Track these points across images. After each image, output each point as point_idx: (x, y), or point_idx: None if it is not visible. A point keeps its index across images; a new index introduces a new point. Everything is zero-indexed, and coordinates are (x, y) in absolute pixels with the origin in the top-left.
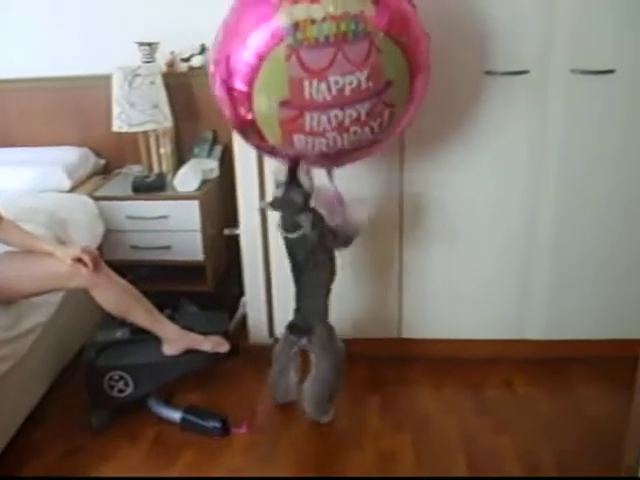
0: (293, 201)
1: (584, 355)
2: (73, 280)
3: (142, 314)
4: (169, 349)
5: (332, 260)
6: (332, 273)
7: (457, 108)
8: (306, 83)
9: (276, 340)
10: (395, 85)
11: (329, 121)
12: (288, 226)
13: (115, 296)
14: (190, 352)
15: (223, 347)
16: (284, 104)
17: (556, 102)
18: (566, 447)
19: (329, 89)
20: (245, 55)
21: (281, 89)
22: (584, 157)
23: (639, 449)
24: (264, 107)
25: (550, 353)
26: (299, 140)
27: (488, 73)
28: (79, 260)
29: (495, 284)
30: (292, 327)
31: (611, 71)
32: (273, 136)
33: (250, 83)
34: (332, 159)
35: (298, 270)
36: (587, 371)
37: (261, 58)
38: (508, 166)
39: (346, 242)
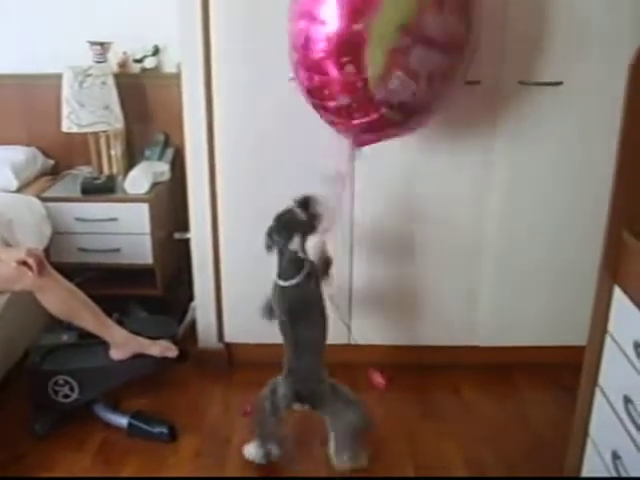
0: (297, 220)
1: (530, 361)
2: (18, 283)
3: (89, 318)
4: (117, 354)
5: (325, 315)
6: (326, 329)
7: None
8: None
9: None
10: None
11: (431, 60)
12: (284, 272)
13: (61, 299)
14: (138, 357)
15: (171, 352)
16: (403, 29)
17: (505, 112)
18: (511, 451)
19: (443, 26)
20: None
21: (406, 12)
22: (532, 165)
23: (580, 455)
24: (382, 27)
25: (497, 359)
26: (395, 80)
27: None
28: (24, 263)
29: (444, 291)
30: (297, 397)
31: (559, 83)
32: (375, 65)
33: None
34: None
35: (293, 323)
36: (532, 377)
37: None
38: (460, 171)
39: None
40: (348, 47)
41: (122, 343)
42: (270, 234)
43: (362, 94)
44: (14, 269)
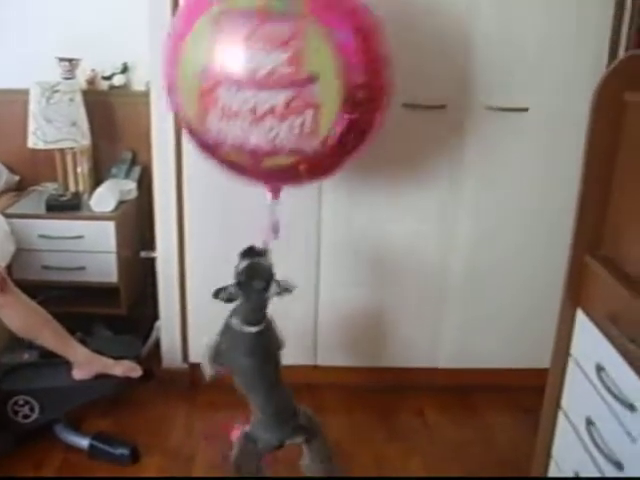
0: (264, 268)
1: (492, 383)
2: None
3: (51, 336)
4: (79, 373)
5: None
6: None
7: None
8: (224, 52)
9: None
10: (321, 83)
11: (244, 102)
12: (252, 318)
13: (22, 317)
14: (101, 377)
15: (135, 372)
16: (204, 71)
17: (472, 137)
18: (475, 472)
19: (246, 63)
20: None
21: (203, 55)
22: (498, 194)
23: (544, 473)
24: (188, 71)
25: (459, 381)
26: (213, 120)
27: (405, 106)
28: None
29: (408, 314)
30: (298, 430)
31: (525, 109)
32: (191, 107)
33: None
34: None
35: (262, 366)
36: (495, 399)
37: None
38: (426, 199)
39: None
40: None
41: (85, 362)
42: (246, 283)
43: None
44: None
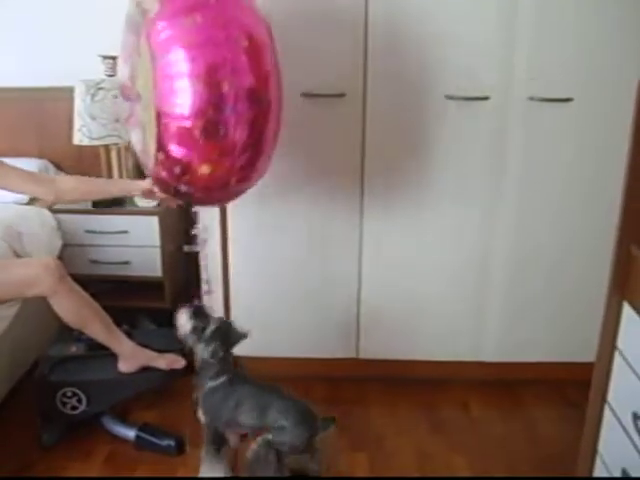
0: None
1: (538, 377)
2: (33, 288)
3: (100, 328)
4: (124, 366)
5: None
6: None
7: (417, 131)
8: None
9: None
10: (143, 102)
11: (120, 107)
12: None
13: (75, 306)
14: (146, 369)
15: (179, 364)
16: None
17: (515, 129)
18: (519, 468)
19: (121, 72)
20: None
21: None
22: (542, 183)
23: (589, 473)
24: None
25: (504, 375)
26: None
27: (448, 98)
28: (150, 192)
29: (452, 307)
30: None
31: (569, 99)
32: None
33: None
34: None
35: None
36: (540, 393)
37: None
38: (467, 191)
39: None
40: None
41: (130, 355)
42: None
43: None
44: (33, 273)
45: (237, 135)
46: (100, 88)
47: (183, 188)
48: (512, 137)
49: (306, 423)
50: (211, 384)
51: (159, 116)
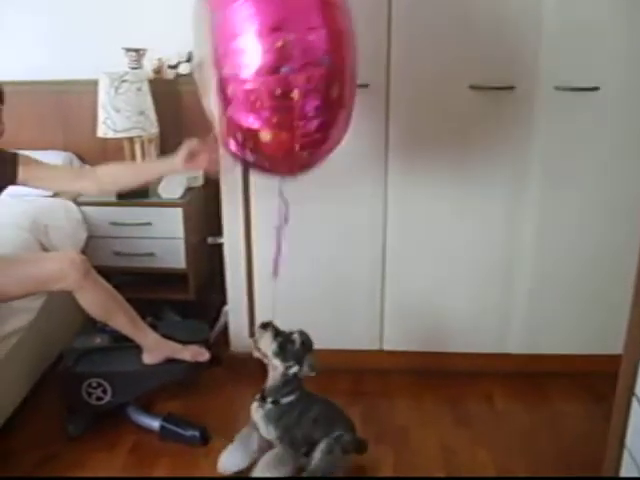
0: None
1: (563, 370)
2: (59, 282)
3: (124, 320)
4: (149, 358)
5: None
6: None
7: (441, 122)
8: None
9: None
10: (206, 66)
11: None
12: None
13: (100, 299)
14: (170, 361)
15: (203, 356)
16: None
17: (541, 118)
18: (544, 462)
19: None
20: None
21: None
22: (568, 172)
23: (617, 466)
24: None
25: (530, 367)
26: None
27: (473, 88)
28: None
29: (476, 298)
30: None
31: (596, 88)
32: None
33: None
34: None
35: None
36: (566, 386)
37: None
38: (492, 182)
39: None
40: None
41: (154, 347)
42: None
43: None
44: (58, 268)
45: (301, 99)
46: (124, 81)
47: (249, 157)
48: (538, 127)
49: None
50: (287, 400)
51: (219, 80)
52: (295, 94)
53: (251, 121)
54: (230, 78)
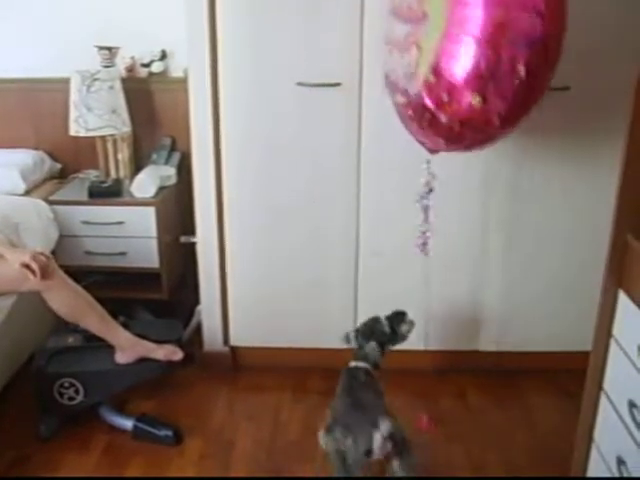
0: (379, 330)
1: (535, 367)
2: (25, 284)
3: (95, 320)
4: (122, 357)
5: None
6: None
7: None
8: None
9: None
10: (429, 22)
11: (390, 31)
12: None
13: (68, 300)
14: (144, 360)
15: (176, 355)
16: None
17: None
18: (516, 457)
19: None
20: None
21: None
22: (539, 166)
23: (586, 460)
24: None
25: (502, 365)
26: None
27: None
28: (27, 266)
29: (448, 296)
30: None
31: (566, 88)
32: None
33: None
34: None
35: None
36: (538, 383)
37: None
38: (468, 180)
39: None
40: None
41: (127, 347)
42: (355, 333)
43: None
44: (16, 271)
45: (514, 72)
46: (96, 79)
47: (442, 118)
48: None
49: None
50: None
51: (445, 36)
52: (521, 70)
53: (464, 82)
54: (455, 37)
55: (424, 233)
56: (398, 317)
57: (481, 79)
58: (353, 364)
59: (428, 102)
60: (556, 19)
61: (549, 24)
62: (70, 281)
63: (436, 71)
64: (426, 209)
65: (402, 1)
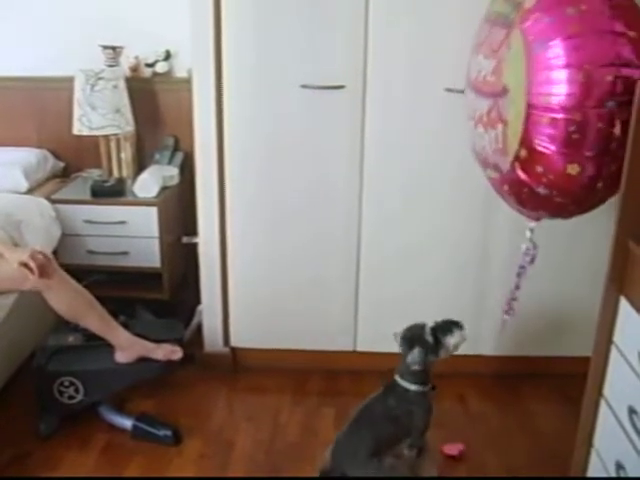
0: (421, 338)
1: (536, 371)
2: (25, 283)
3: (95, 319)
4: (121, 356)
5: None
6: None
7: (417, 122)
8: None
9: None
10: (510, 95)
11: (469, 106)
12: (404, 375)
13: (68, 299)
14: (144, 360)
15: (176, 355)
16: None
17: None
18: (515, 462)
19: (476, 68)
20: None
21: None
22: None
23: (584, 466)
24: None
25: (503, 369)
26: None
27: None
28: (25, 265)
29: (449, 300)
30: None
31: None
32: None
33: None
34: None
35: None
36: (538, 387)
37: None
38: (469, 179)
39: None
40: None
41: (127, 346)
42: (400, 338)
43: None
44: (16, 270)
45: (613, 132)
46: (100, 78)
47: (542, 191)
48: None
49: None
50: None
51: (529, 108)
52: (617, 130)
53: (558, 153)
54: (541, 107)
55: (513, 299)
56: (446, 327)
57: (574, 148)
58: (396, 378)
59: (523, 176)
60: None
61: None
62: (71, 280)
63: (526, 144)
64: (521, 277)
65: (479, 73)
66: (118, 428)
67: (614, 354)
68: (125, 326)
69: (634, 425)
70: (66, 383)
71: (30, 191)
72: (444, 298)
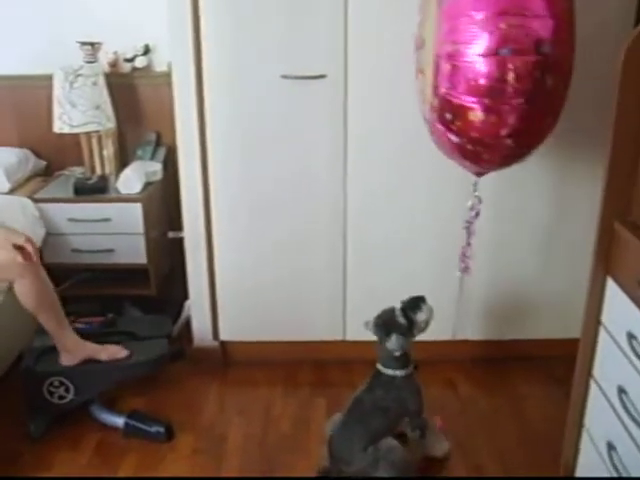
0: (395, 322)
1: (524, 355)
2: (13, 268)
3: (52, 318)
4: (66, 359)
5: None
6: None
7: (399, 112)
8: None
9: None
10: (426, 47)
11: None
12: (386, 363)
13: (36, 293)
14: (133, 357)
15: (121, 354)
16: None
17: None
18: (506, 445)
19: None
20: None
21: None
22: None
23: (576, 447)
24: None
25: (489, 353)
26: None
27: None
28: (20, 248)
29: (435, 286)
30: None
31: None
32: None
33: None
34: None
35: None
36: (526, 370)
37: None
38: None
39: None
40: None
41: (73, 349)
42: (373, 326)
43: None
44: (8, 252)
45: (516, 83)
46: (79, 75)
47: (454, 138)
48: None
49: None
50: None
51: (437, 58)
52: (510, 77)
53: (464, 99)
54: (449, 55)
55: (466, 256)
56: (413, 304)
57: (477, 95)
58: (379, 367)
59: (438, 125)
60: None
61: (557, 27)
62: (44, 275)
63: (436, 92)
64: (470, 233)
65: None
66: (110, 426)
67: (602, 335)
68: (113, 323)
69: (624, 405)
70: (56, 383)
71: (12, 191)
72: (431, 284)
